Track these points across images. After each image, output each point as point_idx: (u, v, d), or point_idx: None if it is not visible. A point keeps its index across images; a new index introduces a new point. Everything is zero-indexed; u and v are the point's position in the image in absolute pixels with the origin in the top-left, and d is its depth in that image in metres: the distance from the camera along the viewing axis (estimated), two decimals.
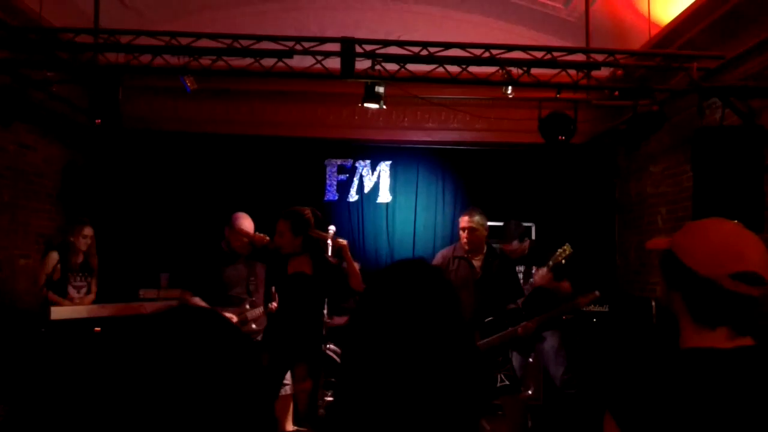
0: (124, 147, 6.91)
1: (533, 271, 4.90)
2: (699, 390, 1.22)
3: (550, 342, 5.00)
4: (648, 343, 5.28)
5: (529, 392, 5.13)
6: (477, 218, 4.73)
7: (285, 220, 4.30)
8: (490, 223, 6.67)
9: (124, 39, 4.62)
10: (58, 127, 6.20)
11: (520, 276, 5.08)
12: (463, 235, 4.72)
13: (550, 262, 4.73)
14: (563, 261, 4.72)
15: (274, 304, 4.64)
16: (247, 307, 4.55)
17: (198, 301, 4.40)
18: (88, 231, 5.32)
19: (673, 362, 1.30)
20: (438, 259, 4.96)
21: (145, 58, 4.70)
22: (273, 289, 4.71)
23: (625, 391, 1.28)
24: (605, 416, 1.28)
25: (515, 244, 5.12)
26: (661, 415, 1.21)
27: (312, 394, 4.50)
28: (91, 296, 5.36)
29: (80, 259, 5.29)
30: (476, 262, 4.76)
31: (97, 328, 4.82)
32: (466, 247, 4.72)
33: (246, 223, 4.62)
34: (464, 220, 4.74)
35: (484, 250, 4.81)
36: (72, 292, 5.18)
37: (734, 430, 1.18)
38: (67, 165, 6.55)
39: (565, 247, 4.72)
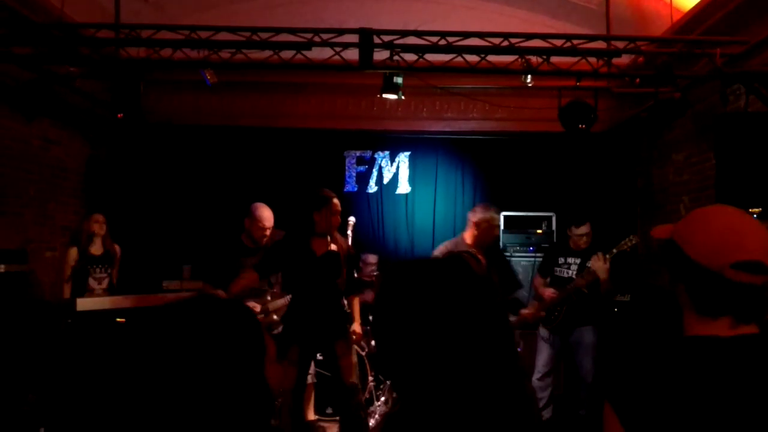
0: (145, 140, 6.99)
1: (588, 265, 4.82)
2: (698, 378, 1.21)
3: (588, 338, 4.97)
4: (670, 332, 5.24)
5: (549, 380, 5.12)
6: (496, 215, 4.71)
7: (338, 200, 4.32)
8: (510, 213, 6.76)
9: (145, 33, 4.67)
10: (81, 122, 6.30)
11: (576, 268, 4.98)
12: (486, 229, 4.62)
13: (614, 250, 4.69)
14: (628, 249, 4.72)
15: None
16: (269, 298, 4.59)
17: (219, 293, 4.44)
18: (99, 217, 5.38)
19: (673, 351, 1.29)
20: (442, 253, 4.88)
21: (166, 52, 4.75)
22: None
23: (623, 381, 1.27)
24: (605, 407, 1.27)
25: (586, 227, 4.98)
26: (660, 404, 1.20)
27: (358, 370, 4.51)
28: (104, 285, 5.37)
29: (101, 250, 5.35)
30: (481, 257, 4.69)
31: (121, 319, 4.89)
32: (474, 242, 4.62)
33: (266, 213, 4.64)
34: (492, 218, 4.65)
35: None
36: (93, 283, 5.25)
37: (734, 418, 1.17)
38: (90, 159, 6.65)
39: (632, 236, 4.70)
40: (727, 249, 1.26)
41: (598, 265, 4.69)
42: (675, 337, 1.34)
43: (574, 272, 4.95)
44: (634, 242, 4.68)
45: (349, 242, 4.69)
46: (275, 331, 4.52)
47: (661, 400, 1.20)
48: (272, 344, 1.12)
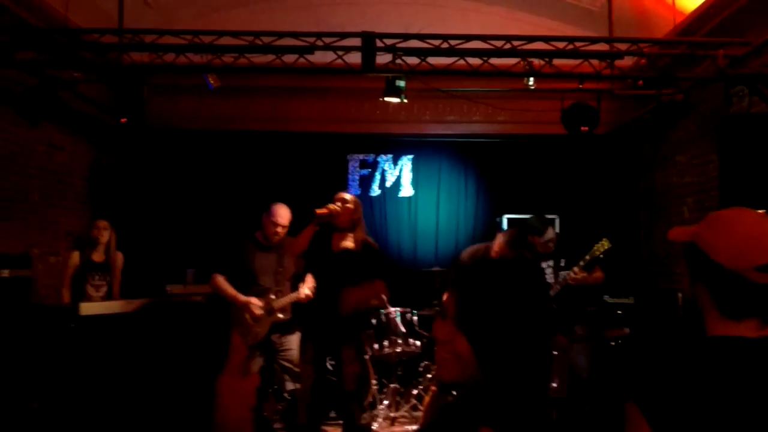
0: (149, 145, 7.01)
1: (562, 265, 4.81)
2: (725, 377, 1.21)
3: (579, 336, 4.96)
4: (674, 334, 5.23)
5: (554, 385, 5.10)
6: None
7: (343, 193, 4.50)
8: (513, 216, 6.75)
9: (148, 38, 4.69)
10: (85, 127, 6.31)
11: (549, 271, 4.93)
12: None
13: (588, 257, 4.63)
14: (601, 255, 4.64)
15: (306, 292, 4.56)
16: (272, 297, 4.61)
17: (223, 281, 4.54)
18: (102, 223, 5.36)
19: (699, 350, 1.29)
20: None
21: (169, 56, 4.77)
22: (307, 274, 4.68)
23: (649, 379, 1.27)
24: (629, 405, 1.27)
25: (551, 231, 4.93)
26: (687, 402, 1.21)
27: (361, 377, 4.55)
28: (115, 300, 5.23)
29: (101, 258, 5.31)
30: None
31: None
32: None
33: (282, 211, 4.73)
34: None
35: None
36: (90, 290, 5.23)
37: (761, 418, 1.17)
38: (94, 163, 6.67)
39: (603, 241, 4.63)
40: (752, 252, 1.27)
41: (575, 278, 4.68)
42: (698, 337, 1.35)
43: (550, 276, 4.93)
44: (606, 247, 4.61)
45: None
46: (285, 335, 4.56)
47: (690, 399, 1.21)
48: (241, 353, 1.12)
